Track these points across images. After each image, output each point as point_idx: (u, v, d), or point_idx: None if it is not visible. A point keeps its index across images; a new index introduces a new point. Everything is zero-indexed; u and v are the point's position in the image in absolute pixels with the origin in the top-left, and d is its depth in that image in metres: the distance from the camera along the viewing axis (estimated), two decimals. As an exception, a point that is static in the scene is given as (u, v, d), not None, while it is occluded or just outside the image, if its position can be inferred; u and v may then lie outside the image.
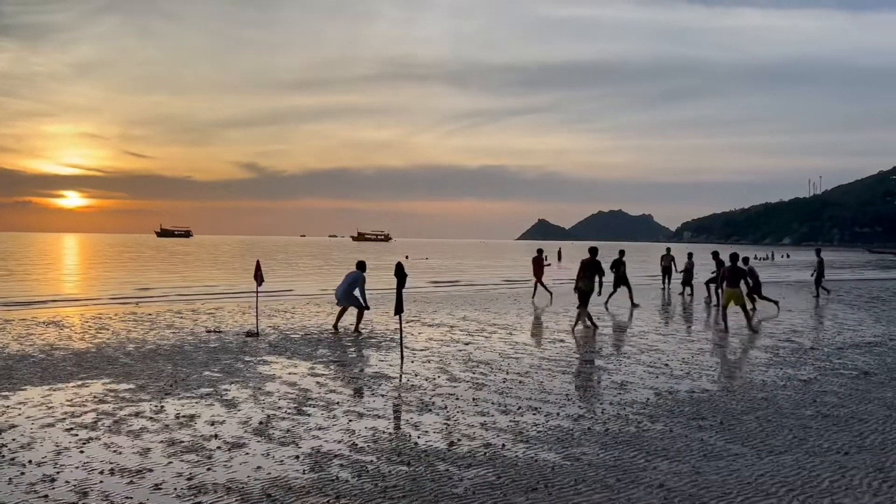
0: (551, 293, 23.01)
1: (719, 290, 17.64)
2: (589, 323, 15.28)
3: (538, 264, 23.46)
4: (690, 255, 24.49)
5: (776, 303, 20.30)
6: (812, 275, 25.09)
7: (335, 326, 14.48)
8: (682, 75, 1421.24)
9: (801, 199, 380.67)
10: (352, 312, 14.74)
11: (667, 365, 10.84)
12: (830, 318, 17.72)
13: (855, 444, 6.73)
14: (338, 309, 14.98)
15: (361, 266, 14.48)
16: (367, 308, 14.49)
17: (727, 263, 15.61)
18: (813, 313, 19.06)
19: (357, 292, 14.15)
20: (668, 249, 28.09)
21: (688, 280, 23.89)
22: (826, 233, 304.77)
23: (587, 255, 15.40)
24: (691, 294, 23.62)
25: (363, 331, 14.15)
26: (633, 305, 20.24)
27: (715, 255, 22.28)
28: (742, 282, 14.85)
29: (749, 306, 17.61)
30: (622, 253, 22.06)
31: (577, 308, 15.48)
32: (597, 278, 15.35)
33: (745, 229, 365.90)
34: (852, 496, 5.36)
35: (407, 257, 67.92)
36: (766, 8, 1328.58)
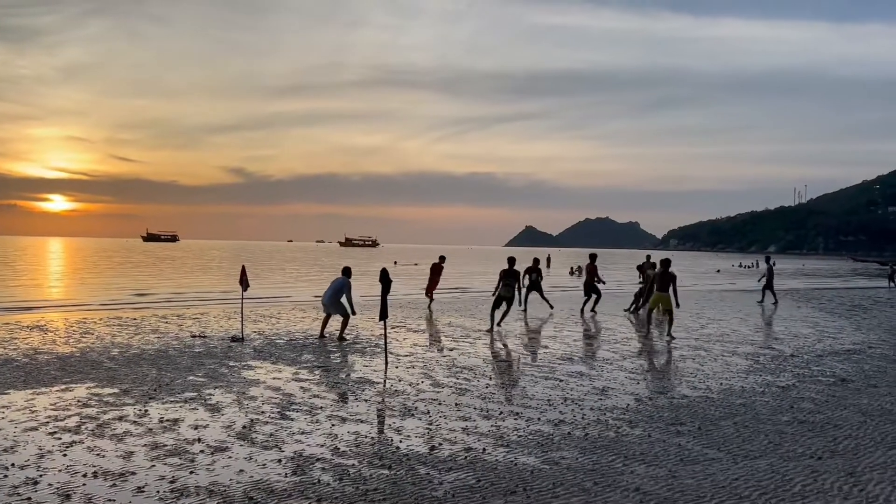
0: (431, 301, 21.94)
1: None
2: (496, 324, 16.30)
3: (436, 272, 22.12)
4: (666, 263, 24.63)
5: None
6: (760, 280, 25.65)
7: (321, 334, 14.42)
8: (670, 84, 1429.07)
9: (786, 208, 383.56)
10: (337, 319, 14.70)
11: (648, 371, 10.97)
12: (811, 326, 17.93)
13: (829, 448, 6.87)
14: (323, 315, 14.93)
15: (347, 272, 14.46)
16: (354, 314, 14.44)
17: (657, 268, 16.08)
18: (795, 321, 19.27)
19: (343, 299, 14.21)
20: (648, 257, 28.34)
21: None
22: (811, 241, 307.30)
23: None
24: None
25: (348, 337, 14.17)
26: (551, 308, 20.94)
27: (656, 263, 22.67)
28: (671, 287, 15.26)
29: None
30: (536, 261, 22.00)
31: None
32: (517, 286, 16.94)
33: (731, 237, 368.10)
34: (823, 499, 5.49)
35: (395, 263, 68.01)
36: (752, 18, 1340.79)
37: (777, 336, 15.73)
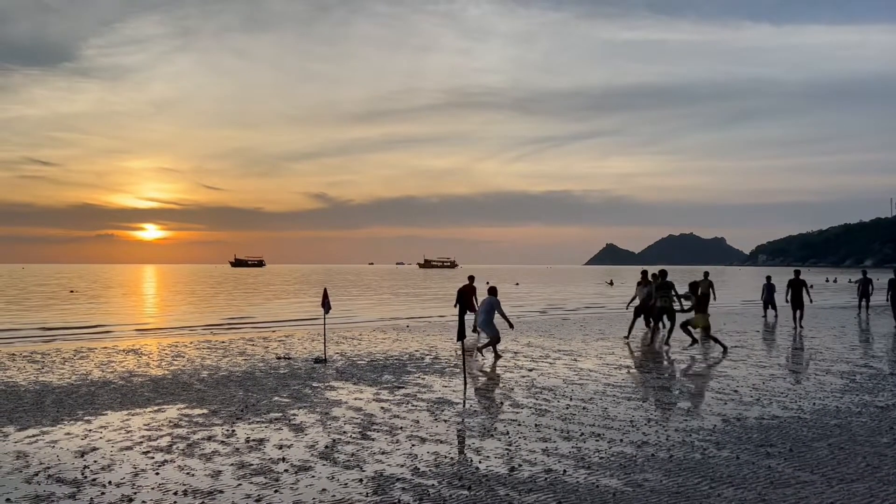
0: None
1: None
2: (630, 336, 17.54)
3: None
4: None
5: None
6: (762, 297, 25.91)
7: (479, 350, 15.34)
8: (750, 95, 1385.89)
9: (882, 220, 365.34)
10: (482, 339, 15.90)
11: (736, 391, 10.61)
12: (913, 343, 16.98)
13: (933, 472, 6.47)
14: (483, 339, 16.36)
15: (494, 291, 15.41)
16: (512, 326, 15.71)
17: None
18: (893, 338, 18.29)
19: (497, 317, 15.02)
20: (706, 274, 27.73)
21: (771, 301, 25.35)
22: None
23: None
24: (776, 316, 23.73)
25: (501, 355, 14.87)
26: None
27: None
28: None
29: None
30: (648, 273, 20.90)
31: None
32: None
33: (824, 251, 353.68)
34: (928, 526, 5.17)
35: (488, 283, 68.16)
36: (837, 24, 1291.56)
37: (875, 353, 14.96)
